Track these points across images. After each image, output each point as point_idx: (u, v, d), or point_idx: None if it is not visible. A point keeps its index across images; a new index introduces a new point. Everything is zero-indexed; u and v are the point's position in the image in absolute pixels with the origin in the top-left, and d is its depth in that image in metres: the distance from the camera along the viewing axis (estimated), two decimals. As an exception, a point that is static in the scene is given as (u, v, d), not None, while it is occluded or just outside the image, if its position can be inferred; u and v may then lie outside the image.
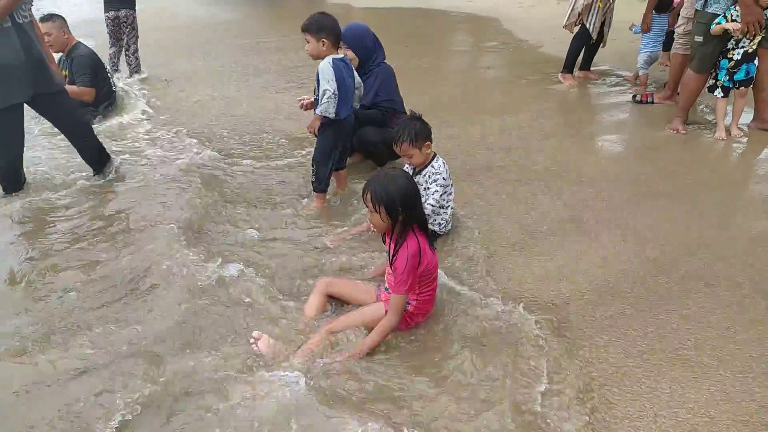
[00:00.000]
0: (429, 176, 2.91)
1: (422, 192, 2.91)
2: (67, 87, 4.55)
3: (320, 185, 3.32)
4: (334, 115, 3.09)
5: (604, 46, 5.91)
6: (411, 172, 2.99)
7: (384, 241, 2.36)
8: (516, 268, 2.80)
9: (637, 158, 4.13)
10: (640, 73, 5.73)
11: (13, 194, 3.35)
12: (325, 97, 3.03)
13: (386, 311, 2.22)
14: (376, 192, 2.15)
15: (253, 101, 5.48)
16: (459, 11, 10.93)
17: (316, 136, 3.24)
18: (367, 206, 2.20)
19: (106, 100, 4.94)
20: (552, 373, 2.08)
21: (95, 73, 4.77)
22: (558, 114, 5.11)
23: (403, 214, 2.16)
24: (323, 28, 3.06)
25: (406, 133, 2.82)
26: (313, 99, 3.35)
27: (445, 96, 5.64)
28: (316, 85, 3.16)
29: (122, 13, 6.08)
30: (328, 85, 3.02)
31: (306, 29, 3.08)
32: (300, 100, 3.51)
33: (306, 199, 3.43)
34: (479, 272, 2.75)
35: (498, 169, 3.90)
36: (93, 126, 3.92)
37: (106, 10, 6.06)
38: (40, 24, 4.52)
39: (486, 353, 2.17)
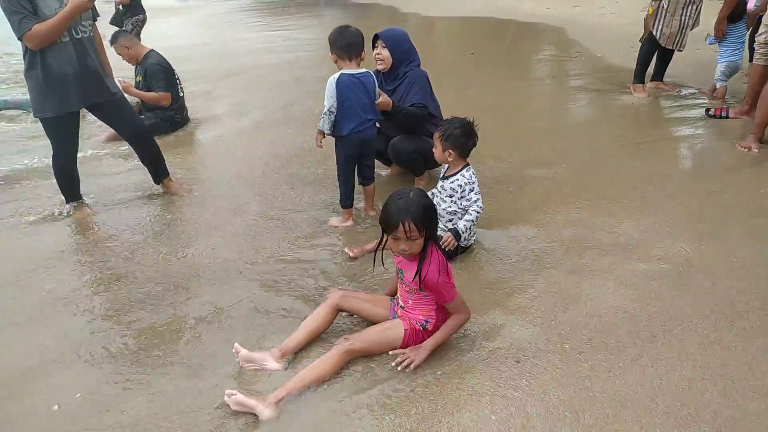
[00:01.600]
0: (460, 185, 2.87)
1: (445, 198, 2.92)
2: (146, 94, 5.03)
3: (342, 201, 3.39)
4: (328, 131, 3.19)
5: (681, 51, 5.49)
6: (441, 175, 2.97)
7: (396, 261, 2.32)
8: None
9: (708, 179, 3.80)
10: (718, 86, 5.30)
11: (76, 204, 3.66)
12: (323, 111, 3.14)
13: (406, 330, 2.24)
14: (417, 218, 2.07)
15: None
16: (526, 20, 10.64)
17: (320, 147, 3.27)
18: (404, 237, 2.08)
19: (176, 102, 5.32)
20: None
21: (167, 78, 5.17)
22: (621, 127, 4.83)
23: (431, 228, 2.16)
24: (330, 43, 3.17)
25: (444, 127, 2.87)
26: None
27: (502, 102, 5.51)
28: None
29: None
30: (326, 101, 3.12)
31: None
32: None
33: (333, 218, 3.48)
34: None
35: (539, 181, 3.75)
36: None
37: None
38: (112, 47, 5.02)
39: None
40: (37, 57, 3.12)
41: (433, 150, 2.92)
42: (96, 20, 3.44)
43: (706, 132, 4.61)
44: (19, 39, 3.02)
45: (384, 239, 2.24)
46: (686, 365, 2.15)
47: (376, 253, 2.37)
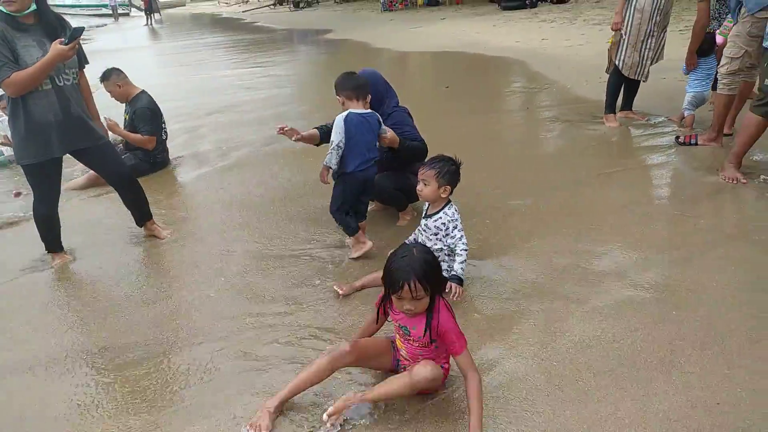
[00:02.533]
0: (443, 224, 2.91)
1: (431, 237, 2.94)
2: (132, 135, 5.08)
3: (348, 230, 3.42)
4: (335, 165, 3.23)
5: (644, 81, 5.71)
6: (423, 214, 3.00)
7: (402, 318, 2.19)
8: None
9: (684, 204, 3.91)
10: (686, 114, 5.50)
11: (55, 254, 3.61)
12: (330, 147, 3.21)
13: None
14: (423, 277, 2.00)
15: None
16: (495, 53, 10.94)
17: (325, 183, 3.33)
18: (409, 297, 2.02)
19: (161, 146, 5.36)
20: None
21: (154, 122, 5.19)
22: (594, 156, 4.97)
23: (438, 283, 2.10)
24: (336, 86, 3.34)
25: (439, 165, 2.86)
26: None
27: (477, 134, 5.63)
28: None
29: None
30: (335, 136, 3.21)
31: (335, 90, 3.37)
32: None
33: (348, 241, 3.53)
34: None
35: (519, 212, 3.84)
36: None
37: None
38: (103, 84, 5.03)
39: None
40: (19, 104, 3.12)
41: (421, 188, 2.90)
42: (84, 67, 3.45)
43: (678, 159, 4.76)
44: None
45: (387, 294, 2.14)
46: (684, 397, 2.19)
47: (380, 309, 2.28)
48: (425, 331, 2.10)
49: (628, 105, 6.00)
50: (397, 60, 12.07)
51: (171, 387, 2.44)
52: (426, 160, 2.94)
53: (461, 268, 2.89)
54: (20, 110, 3.13)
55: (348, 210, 3.38)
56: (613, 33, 5.60)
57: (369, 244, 3.42)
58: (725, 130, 4.98)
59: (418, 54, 12.31)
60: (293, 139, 3.51)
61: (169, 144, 5.54)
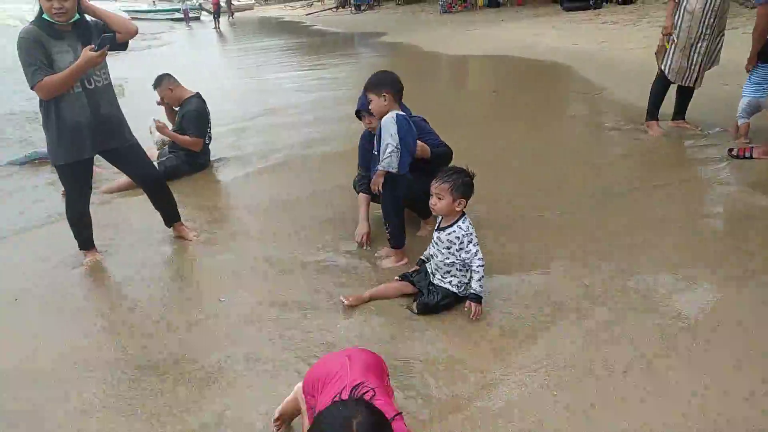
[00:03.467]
0: (457, 238, 2.83)
1: (442, 250, 2.87)
2: (179, 137, 5.23)
3: (395, 241, 3.36)
4: (397, 168, 3.12)
5: (697, 87, 5.37)
6: (436, 226, 2.93)
7: None
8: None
9: (730, 224, 3.66)
10: (739, 123, 5.13)
11: (88, 252, 3.75)
12: (388, 151, 3.08)
13: None
14: None
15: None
16: (547, 57, 10.61)
17: (380, 194, 3.25)
18: None
19: (205, 149, 5.52)
20: None
21: (202, 125, 5.36)
22: (638, 167, 4.73)
23: None
24: (382, 83, 3.15)
25: (452, 178, 2.78)
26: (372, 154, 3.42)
27: (516, 141, 5.48)
28: (376, 140, 3.22)
29: None
30: (391, 139, 3.07)
31: (367, 88, 3.18)
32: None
33: (384, 250, 3.51)
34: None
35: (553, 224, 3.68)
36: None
37: None
38: (156, 90, 5.24)
39: None
40: (51, 107, 3.26)
41: (435, 203, 2.82)
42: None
43: (729, 174, 4.45)
44: (31, 89, 3.15)
45: None
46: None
47: None
48: None
49: (680, 114, 5.67)
50: (446, 64, 11.96)
51: (187, 391, 2.48)
52: (440, 172, 2.86)
53: (479, 285, 2.81)
54: (52, 113, 3.27)
55: (401, 216, 3.33)
56: (663, 36, 5.30)
57: (405, 261, 3.37)
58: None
59: (470, 58, 12.15)
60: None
61: (214, 145, 5.71)
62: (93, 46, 3.11)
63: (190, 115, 5.28)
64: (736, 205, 3.94)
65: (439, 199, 2.80)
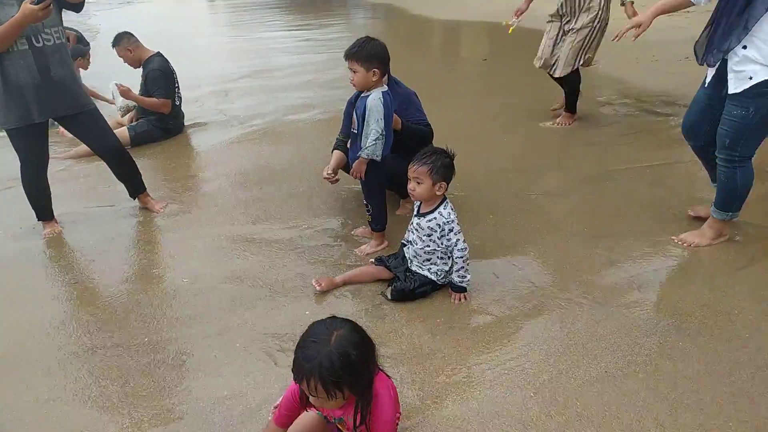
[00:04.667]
0: (438, 225, 2.64)
1: (423, 237, 2.66)
2: (146, 99, 4.92)
3: (376, 223, 3.17)
4: (380, 157, 2.90)
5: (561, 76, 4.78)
6: (415, 211, 2.73)
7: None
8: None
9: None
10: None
11: (47, 222, 3.53)
12: (372, 138, 2.85)
13: None
14: (328, 377, 1.50)
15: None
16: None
17: (362, 179, 3.04)
18: (312, 396, 1.57)
19: (176, 110, 5.21)
20: None
21: (167, 84, 5.03)
22: (627, 146, 4.53)
23: (370, 374, 1.61)
24: (375, 55, 2.80)
25: (431, 160, 2.56)
26: (334, 168, 3.28)
27: (501, 113, 5.25)
28: (356, 119, 2.96)
29: None
30: (377, 125, 2.83)
31: (354, 57, 2.80)
32: (327, 177, 3.33)
33: (360, 229, 3.36)
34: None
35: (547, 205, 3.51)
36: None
37: None
38: (114, 49, 4.89)
39: None
40: None
41: (413, 188, 2.61)
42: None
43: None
44: None
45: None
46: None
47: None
48: (355, 424, 1.66)
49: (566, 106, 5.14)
50: (435, 29, 11.55)
51: (152, 375, 2.34)
52: (417, 154, 2.64)
53: (459, 276, 2.66)
54: None
55: (384, 199, 3.14)
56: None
57: (385, 245, 3.19)
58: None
59: (462, 23, 11.73)
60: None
61: (193, 108, 5.43)
62: None
63: (154, 75, 4.97)
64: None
65: (418, 183, 2.59)
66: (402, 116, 3.21)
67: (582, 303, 2.65)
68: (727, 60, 2.69)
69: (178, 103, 5.25)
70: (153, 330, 2.62)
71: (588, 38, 4.54)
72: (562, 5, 4.59)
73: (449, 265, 2.72)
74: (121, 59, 5.09)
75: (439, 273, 2.74)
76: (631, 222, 3.34)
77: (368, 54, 2.79)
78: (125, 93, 4.87)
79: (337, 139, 3.54)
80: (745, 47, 2.60)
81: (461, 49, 9.92)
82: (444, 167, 2.58)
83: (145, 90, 5.05)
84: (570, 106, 5.06)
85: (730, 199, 2.94)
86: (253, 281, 2.95)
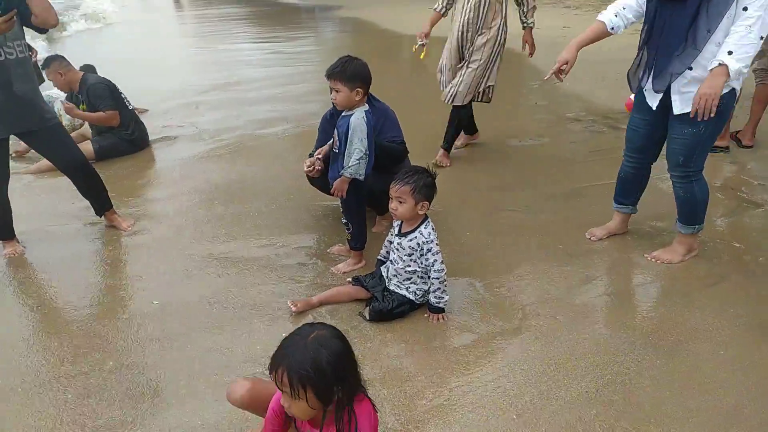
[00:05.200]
0: (418, 244, 2.61)
1: (404, 257, 2.64)
2: (92, 114, 4.74)
3: (356, 244, 3.11)
4: (364, 177, 2.87)
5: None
6: (396, 231, 2.70)
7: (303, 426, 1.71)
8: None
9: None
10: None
11: (7, 242, 3.39)
12: (356, 157, 2.81)
13: None
14: (295, 370, 1.49)
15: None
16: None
17: (343, 198, 2.97)
18: (282, 390, 1.55)
19: (131, 119, 5.05)
20: None
21: (113, 96, 4.87)
22: (593, 163, 4.61)
23: (344, 385, 1.56)
24: (358, 75, 2.78)
25: (413, 179, 2.55)
26: (325, 152, 3.13)
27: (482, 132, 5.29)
28: (338, 138, 2.92)
29: None
30: (360, 144, 2.80)
31: (337, 76, 2.77)
32: (309, 168, 3.18)
33: (336, 247, 3.31)
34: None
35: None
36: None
37: None
38: (44, 72, 4.69)
39: None
40: None
41: (395, 207, 2.58)
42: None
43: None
44: None
45: None
46: None
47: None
48: None
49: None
50: (404, 44, 11.63)
51: (115, 399, 2.25)
52: (399, 173, 2.62)
53: (436, 298, 2.64)
54: None
55: (364, 217, 3.10)
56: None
57: (362, 264, 3.14)
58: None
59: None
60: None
61: (159, 121, 5.26)
62: None
63: (96, 89, 4.76)
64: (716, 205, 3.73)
65: (400, 203, 2.57)
66: (379, 132, 3.19)
67: (561, 321, 2.66)
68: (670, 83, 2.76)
69: (131, 107, 5.10)
70: (122, 356, 2.51)
71: (489, 63, 4.25)
72: (463, 32, 4.22)
73: (429, 285, 2.70)
74: (53, 82, 4.86)
75: (417, 292, 2.71)
76: (605, 239, 3.37)
77: (352, 73, 2.77)
78: (70, 110, 4.70)
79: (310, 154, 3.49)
80: (690, 68, 2.67)
81: (431, 63, 9.99)
82: (426, 186, 2.57)
83: (90, 106, 4.82)
84: (448, 142, 4.60)
85: (694, 213, 3.02)
86: (225, 303, 2.87)
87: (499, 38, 4.22)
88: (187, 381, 2.35)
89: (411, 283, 2.70)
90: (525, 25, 4.38)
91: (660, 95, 2.84)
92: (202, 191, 4.23)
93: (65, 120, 5.09)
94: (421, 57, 4.44)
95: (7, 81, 2.97)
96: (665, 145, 2.97)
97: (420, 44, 4.44)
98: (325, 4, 19.25)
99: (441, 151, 4.57)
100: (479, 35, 4.19)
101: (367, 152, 2.85)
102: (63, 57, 4.88)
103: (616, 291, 2.89)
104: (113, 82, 5.01)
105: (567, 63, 3.00)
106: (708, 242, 3.26)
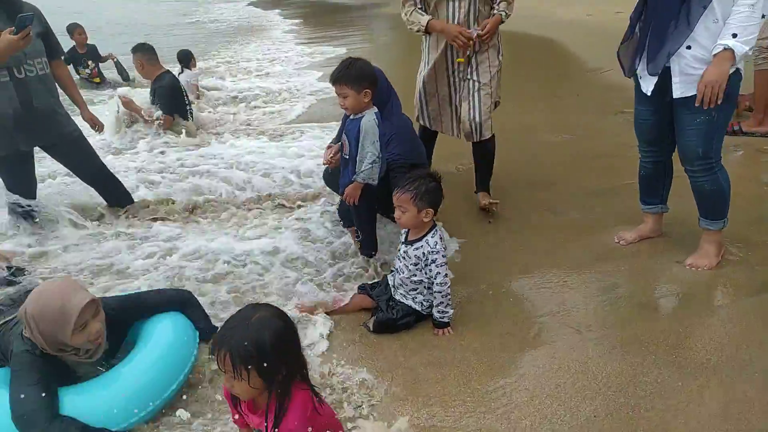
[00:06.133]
0: (423, 254, 2.49)
1: (410, 267, 2.54)
2: (149, 112, 5.08)
3: (367, 250, 3.05)
4: (377, 181, 2.78)
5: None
6: (403, 239, 2.60)
7: (244, 410, 1.70)
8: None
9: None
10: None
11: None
12: (368, 161, 2.72)
13: None
14: (237, 350, 1.50)
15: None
16: (562, 31, 10.01)
17: (354, 205, 2.88)
18: (224, 371, 1.55)
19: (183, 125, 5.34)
20: None
21: (172, 101, 5.19)
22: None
23: (285, 367, 1.56)
24: (364, 76, 2.68)
25: (414, 186, 2.42)
26: (339, 156, 3.02)
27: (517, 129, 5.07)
28: (347, 143, 2.84)
29: None
30: (373, 147, 2.72)
31: (343, 80, 2.68)
32: (330, 160, 3.11)
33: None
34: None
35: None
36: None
37: None
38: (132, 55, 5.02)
39: None
40: None
41: (399, 216, 2.49)
42: (58, 58, 3.34)
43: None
44: None
45: None
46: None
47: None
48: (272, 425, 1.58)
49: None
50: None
51: None
52: (401, 179, 2.51)
53: (439, 312, 2.51)
54: None
55: (375, 222, 3.03)
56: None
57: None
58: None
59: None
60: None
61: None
62: (12, 29, 2.79)
63: (161, 92, 5.12)
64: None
65: (403, 212, 2.46)
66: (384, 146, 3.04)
67: (577, 333, 2.47)
68: (668, 65, 2.54)
69: (191, 120, 5.42)
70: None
71: (497, 78, 3.44)
72: (451, 52, 3.36)
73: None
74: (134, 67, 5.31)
75: (424, 303, 2.59)
76: (635, 242, 3.13)
77: (357, 75, 2.67)
78: (127, 104, 5.10)
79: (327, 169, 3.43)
80: (689, 47, 2.45)
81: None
82: (429, 192, 2.43)
83: (153, 103, 5.22)
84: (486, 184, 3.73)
85: (721, 205, 2.78)
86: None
87: (498, 47, 3.44)
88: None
89: (417, 293, 2.58)
90: (496, 12, 3.30)
91: (655, 78, 2.62)
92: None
93: (121, 111, 5.28)
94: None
95: (27, 97, 3.07)
96: (677, 139, 2.72)
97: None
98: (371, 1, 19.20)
99: (481, 194, 3.68)
100: (477, 51, 3.34)
101: (380, 156, 2.75)
102: (152, 48, 5.21)
103: (643, 302, 2.66)
104: (183, 90, 5.33)
105: None
106: (749, 245, 2.96)
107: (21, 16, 2.80)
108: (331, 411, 1.78)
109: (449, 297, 2.51)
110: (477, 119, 3.36)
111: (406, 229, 2.60)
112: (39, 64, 3.10)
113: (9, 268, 2.90)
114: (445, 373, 2.31)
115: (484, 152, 3.59)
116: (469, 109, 3.37)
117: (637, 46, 2.67)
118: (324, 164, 3.22)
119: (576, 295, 2.74)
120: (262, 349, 1.50)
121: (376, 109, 2.79)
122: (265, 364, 1.50)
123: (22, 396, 1.83)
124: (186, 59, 6.52)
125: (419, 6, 3.34)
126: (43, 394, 1.84)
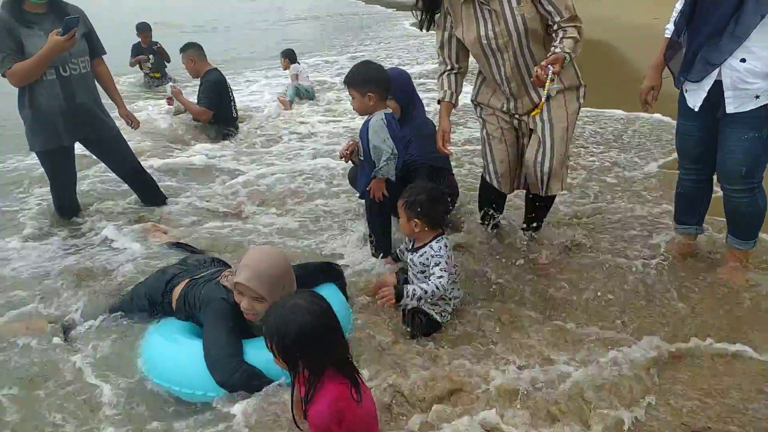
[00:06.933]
0: (428, 258, 2.49)
1: (417, 275, 2.55)
2: (190, 105, 5.32)
3: (387, 251, 3.05)
4: (395, 176, 2.84)
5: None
6: (409, 246, 2.62)
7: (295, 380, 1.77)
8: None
9: None
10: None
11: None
12: (384, 158, 2.77)
13: None
14: (269, 326, 1.67)
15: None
16: (626, 35, 9.56)
17: (380, 201, 2.90)
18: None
19: (227, 124, 5.55)
20: None
21: (216, 97, 5.36)
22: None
23: (304, 359, 1.64)
24: (369, 80, 2.78)
25: (407, 194, 2.50)
26: (357, 158, 3.09)
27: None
28: (363, 145, 2.90)
29: None
30: (385, 145, 2.77)
31: (349, 83, 2.82)
32: (343, 153, 3.14)
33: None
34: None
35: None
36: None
37: None
38: (180, 55, 5.25)
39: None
40: (25, 93, 3.20)
41: (400, 220, 2.54)
42: (100, 56, 3.50)
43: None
44: (3, 76, 3.09)
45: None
46: None
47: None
48: (301, 401, 1.68)
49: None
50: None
51: None
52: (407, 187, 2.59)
53: (416, 290, 2.36)
54: (26, 99, 3.20)
55: (389, 223, 3.06)
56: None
57: (398, 266, 3.02)
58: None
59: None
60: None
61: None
62: (59, 30, 2.96)
63: (206, 86, 5.32)
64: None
65: (400, 217, 2.53)
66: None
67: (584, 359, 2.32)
68: (719, 79, 2.38)
69: (235, 115, 5.64)
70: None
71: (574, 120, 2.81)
72: (507, 83, 2.76)
73: (451, 305, 2.56)
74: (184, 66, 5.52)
75: (443, 314, 2.55)
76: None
77: (363, 79, 2.77)
78: (176, 94, 5.39)
79: (352, 168, 3.48)
80: (743, 60, 2.27)
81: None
82: (417, 204, 2.44)
83: (198, 98, 5.42)
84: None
85: (756, 226, 2.64)
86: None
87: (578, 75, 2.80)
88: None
89: (435, 305, 2.54)
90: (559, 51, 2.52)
91: (704, 93, 2.46)
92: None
93: (175, 101, 5.60)
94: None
95: (71, 94, 3.25)
96: (720, 155, 2.55)
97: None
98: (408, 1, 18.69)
99: (544, 255, 3.07)
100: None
101: (395, 152, 2.79)
102: (200, 47, 5.45)
103: (660, 320, 2.53)
104: (228, 86, 5.53)
105: (653, 89, 2.74)
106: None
107: (67, 18, 2.98)
108: (373, 409, 1.78)
109: (435, 298, 2.46)
110: (546, 164, 2.74)
111: (413, 238, 2.59)
112: (82, 62, 3.28)
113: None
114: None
115: (544, 202, 3.05)
116: (538, 151, 2.74)
117: (684, 54, 2.52)
118: (340, 158, 3.26)
119: (593, 315, 2.60)
120: (283, 340, 1.62)
121: (388, 110, 2.86)
122: (285, 351, 1.63)
123: (220, 339, 2.01)
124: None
125: (450, 66, 2.89)
126: (236, 340, 2.03)
